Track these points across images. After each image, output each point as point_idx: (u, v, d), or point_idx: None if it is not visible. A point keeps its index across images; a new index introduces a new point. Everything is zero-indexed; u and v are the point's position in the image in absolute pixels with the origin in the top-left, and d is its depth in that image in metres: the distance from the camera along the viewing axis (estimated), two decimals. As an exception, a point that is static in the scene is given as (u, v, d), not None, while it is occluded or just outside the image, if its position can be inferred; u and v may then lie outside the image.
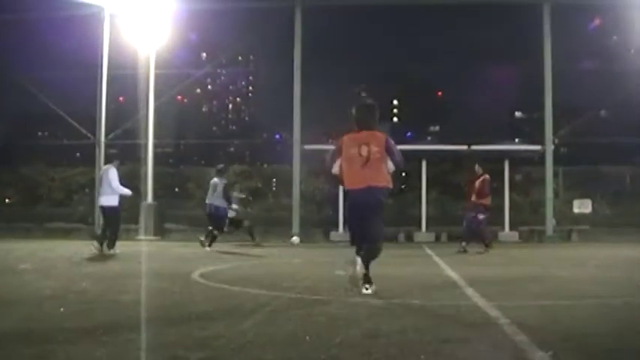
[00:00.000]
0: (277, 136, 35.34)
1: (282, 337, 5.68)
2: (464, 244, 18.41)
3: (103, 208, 17.11)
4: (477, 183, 18.74)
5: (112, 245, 16.37)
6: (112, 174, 16.71)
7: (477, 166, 19.15)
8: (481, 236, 18.61)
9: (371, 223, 8.84)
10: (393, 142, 9.00)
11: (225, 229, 20.12)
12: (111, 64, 28.76)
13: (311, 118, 29.96)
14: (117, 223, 17.01)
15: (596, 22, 32.91)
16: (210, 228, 19.53)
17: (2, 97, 35.74)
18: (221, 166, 21.39)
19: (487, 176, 19.00)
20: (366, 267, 8.63)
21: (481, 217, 18.51)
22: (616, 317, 6.95)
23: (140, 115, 27.77)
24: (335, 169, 9.09)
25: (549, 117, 27.03)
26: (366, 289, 8.50)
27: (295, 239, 22.54)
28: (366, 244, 8.80)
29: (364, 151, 8.72)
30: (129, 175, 22.80)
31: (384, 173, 8.84)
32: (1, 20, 28.27)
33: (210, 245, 18.86)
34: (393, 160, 8.88)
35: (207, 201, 20.07)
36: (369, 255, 8.71)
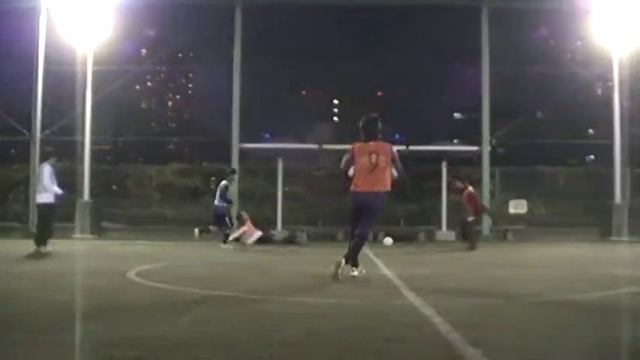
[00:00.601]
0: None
1: (218, 336, 5.68)
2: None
3: (39, 206, 16.89)
4: (463, 198, 20.73)
5: (43, 243, 16.16)
6: (45, 171, 16.47)
7: (457, 182, 21.40)
8: (466, 237, 20.58)
9: (365, 222, 10.39)
10: (396, 152, 10.57)
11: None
12: (47, 58, 28.34)
13: (252, 117, 29.91)
14: (50, 221, 16.79)
15: (542, 31, 33.46)
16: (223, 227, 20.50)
17: None
18: (229, 169, 22.12)
19: (469, 189, 20.87)
20: (353, 256, 10.27)
21: (469, 219, 20.37)
22: (549, 315, 7.10)
23: (77, 111, 27.41)
24: (350, 172, 10.52)
25: (486, 118, 27.40)
26: (353, 271, 10.27)
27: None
28: (355, 238, 10.31)
29: (373, 159, 10.28)
30: (66, 173, 22.49)
31: (387, 179, 10.39)
32: None
33: (202, 233, 20.37)
34: (396, 168, 10.48)
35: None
36: (356, 247, 10.29)
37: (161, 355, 5.02)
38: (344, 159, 10.68)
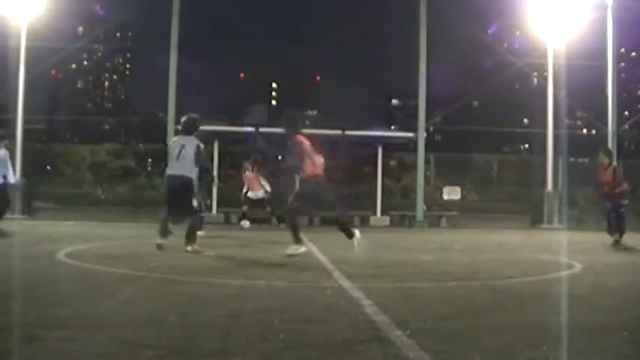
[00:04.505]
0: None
1: (143, 317, 5.64)
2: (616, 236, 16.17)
3: None
4: (605, 175, 16.23)
5: None
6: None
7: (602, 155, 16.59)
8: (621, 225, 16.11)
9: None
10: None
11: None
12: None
13: (189, 97, 29.63)
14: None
15: (494, 27, 33.89)
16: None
17: None
18: None
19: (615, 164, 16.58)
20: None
21: (623, 203, 16.10)
22: (473, 299, 7.21)
23: (10, 88, 26.84)
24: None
25: (422, 105, 27.51)
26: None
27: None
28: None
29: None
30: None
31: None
32: None
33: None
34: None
35: None
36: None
37: (83, 335, 4.95)
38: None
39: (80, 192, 30.85)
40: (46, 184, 30.15)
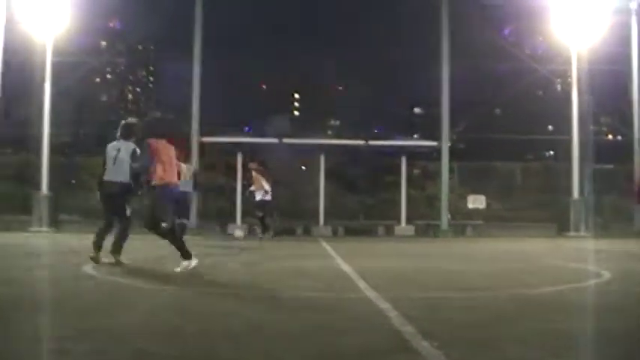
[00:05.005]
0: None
1: (167, 330, 5.64)
2: None
3: None
4: None
5: None
6: None
7: None
8: None
9: None
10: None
11: None
12: (6, 48, 27.80)
13: (212, 110, 29.72)
14: None
15: (509, 29, 33.69)
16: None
17: None
18: None
19: None
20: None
21: None
22: (499, 308, 7.14)
23: (36, 103, 27.05)
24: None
25: (446, 114, 27.45)
26: None
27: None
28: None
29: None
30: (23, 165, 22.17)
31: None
32: None
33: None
34: None
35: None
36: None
37: (108, 347, 4.96)
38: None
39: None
40: (72, 197, 30.31)
